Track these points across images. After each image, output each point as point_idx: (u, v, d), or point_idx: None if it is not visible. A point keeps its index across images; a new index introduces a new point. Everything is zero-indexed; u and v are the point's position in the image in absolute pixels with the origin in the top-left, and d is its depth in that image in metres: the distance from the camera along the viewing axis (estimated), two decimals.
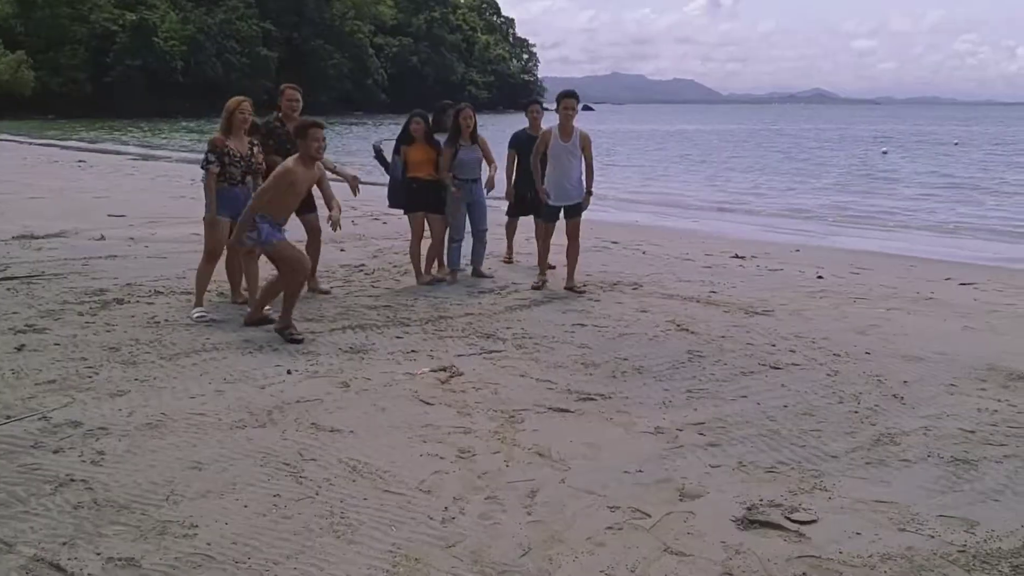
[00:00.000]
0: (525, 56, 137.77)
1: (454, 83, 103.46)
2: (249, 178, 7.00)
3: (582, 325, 6.92)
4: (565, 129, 8.08)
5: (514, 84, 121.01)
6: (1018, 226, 15.60)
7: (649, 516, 3.67)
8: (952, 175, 26.18)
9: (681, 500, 3.84)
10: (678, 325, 6.93)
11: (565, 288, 8.19)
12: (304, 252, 6.81)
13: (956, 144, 45.37)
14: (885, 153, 37.51)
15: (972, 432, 4.70)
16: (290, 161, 6.36)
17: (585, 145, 8.11)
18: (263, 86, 70.08)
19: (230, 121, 6.88)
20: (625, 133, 59.14)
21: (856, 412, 5.01)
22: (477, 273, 8.74)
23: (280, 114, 7.63)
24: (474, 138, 8.44)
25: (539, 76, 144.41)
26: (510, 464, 4.20)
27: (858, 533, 3.55)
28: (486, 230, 8.74)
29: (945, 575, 3.24)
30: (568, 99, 8.10)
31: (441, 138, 8.35)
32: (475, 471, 4.11)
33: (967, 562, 3.33)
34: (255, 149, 7.06)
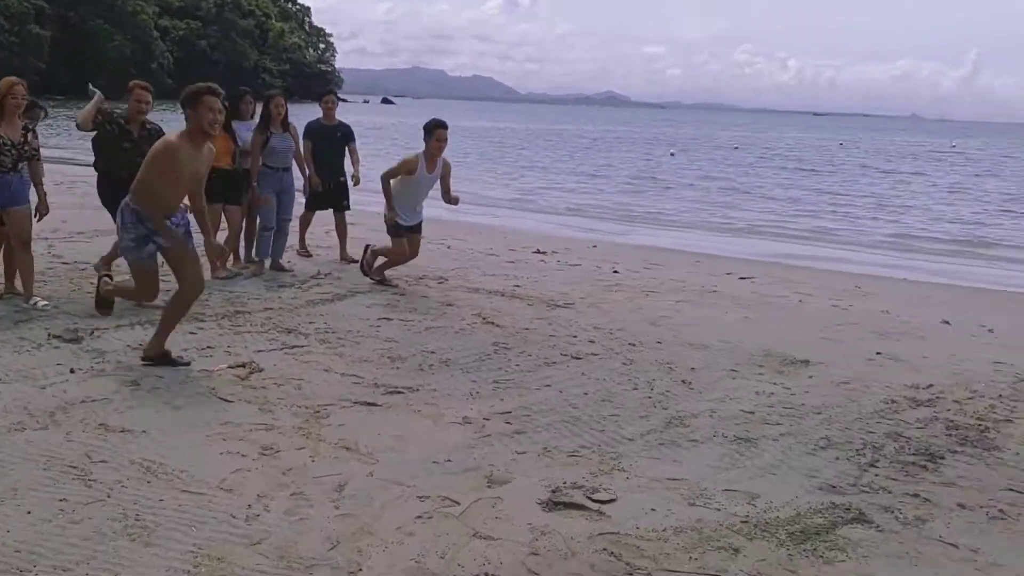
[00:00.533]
0: (322, 46, 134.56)
1: (247, 70, 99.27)
2: (23, 165, 6.48)
3: (388, 319, 6.88)
4: (433, 161, 7.83)
5: (310, 74, 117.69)
6: (785, 226, 17.06)
7: (458, 504, 3.71)
8: (731, 178, 28.13)
9: (489, 487, 3.92)
10: (484, 318, 7.04)
11: (363, 258, 8.26)
12: (152, 279, 5.65)
13: (736, 149, 48.92)
14: (672, 155, 39.79)
15: (752, 413, 5.08)
16: (173, 136, 5.13)
17: (446, 173, 8.00)
18: (34, 66, 64.91)
19: (1, 105, 6.31)
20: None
21: (650, 397, 5.29)
22: (276, 266, 8.46)
23: (119, 112, 7.02)
24: (286, 126, 8.21)
25: (337, 67, 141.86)
26: (316, 459, 4.13)
27: (653, 509, 3.76)
28: (290, 220, 8.50)
29: (730, 543, 3.49)
30: (442, 130, 7.77)
31: (239, 125, 8.05)
32: (279, 467, 4.00)
33: (749, 531, 3.60)
34: (29, 135, 6.53)
